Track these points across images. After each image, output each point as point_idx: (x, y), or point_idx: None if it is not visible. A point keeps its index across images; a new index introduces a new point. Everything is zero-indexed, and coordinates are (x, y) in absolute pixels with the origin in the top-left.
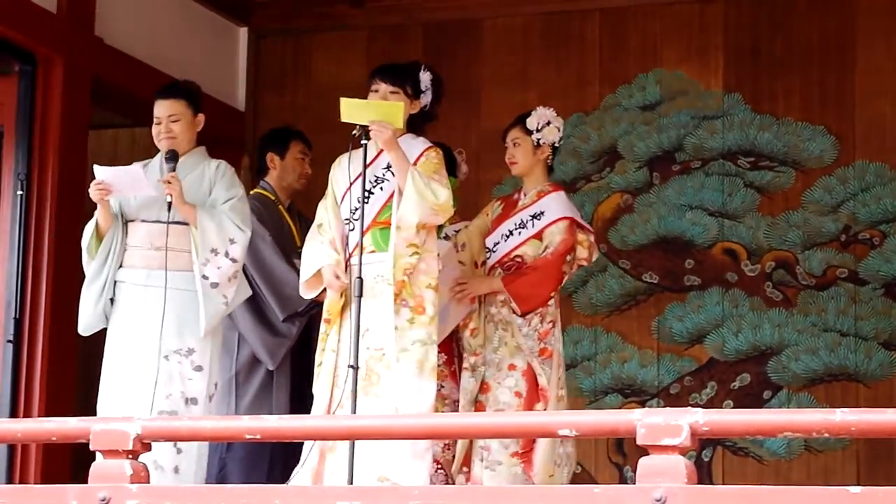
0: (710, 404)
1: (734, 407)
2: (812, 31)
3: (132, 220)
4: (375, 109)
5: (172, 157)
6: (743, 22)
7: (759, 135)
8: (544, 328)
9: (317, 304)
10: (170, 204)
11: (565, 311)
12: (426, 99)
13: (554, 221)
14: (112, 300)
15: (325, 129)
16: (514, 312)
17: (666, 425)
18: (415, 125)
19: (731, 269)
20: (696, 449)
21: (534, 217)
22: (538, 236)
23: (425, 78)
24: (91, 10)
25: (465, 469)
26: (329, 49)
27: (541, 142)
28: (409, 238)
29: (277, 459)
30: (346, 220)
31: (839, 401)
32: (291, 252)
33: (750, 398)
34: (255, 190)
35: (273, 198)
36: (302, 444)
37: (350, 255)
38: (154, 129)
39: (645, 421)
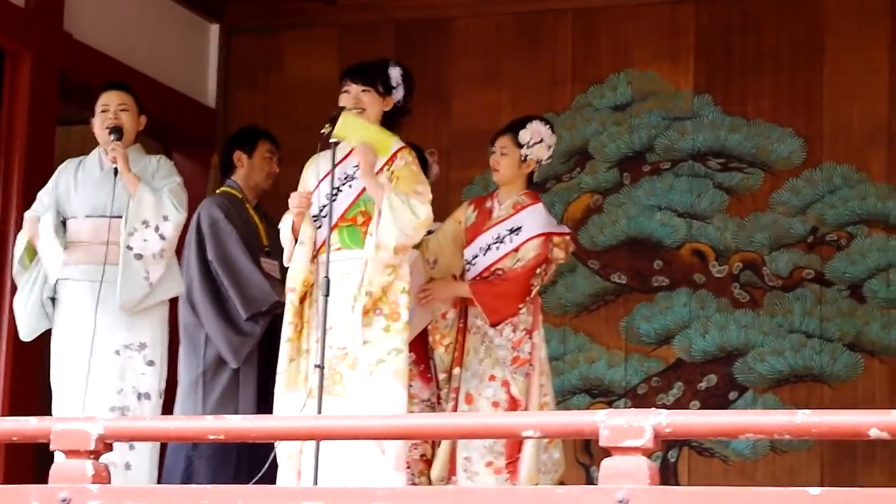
0: (677, 405)
1: (701, 407)
2: (782, 33)
3: (74, 217)
4: (372, 133)
5: (117, 129)
6: (714, 24)
7: (729, 136)
8: (517, 337)
9: (281, 305)
10: (115, 171)
11: None
12: (398, 94)
13: (531, 238)
14: (53, 299)
15: (296, 128)
16: (484, 322)
17: (629, 427)
18: (389, 122)
19: (699, 270)
20: (661, 450)
21: (511, 231)
22: (516, 250)
23: (395, 74)
24: (60, 5)
25: (452, 479)
26: (300, 47)
27: (528, 157)
28: (387, 260)
29: (245, 458)
30: (315, 217)
31: (804, 402)
32: (258, 251)
33: (716, 399)
34: (223, 188)
35: (240, 196)
36: (269, 443)
37: (317, 253)
38: (99, 119)
39: (608, 422)
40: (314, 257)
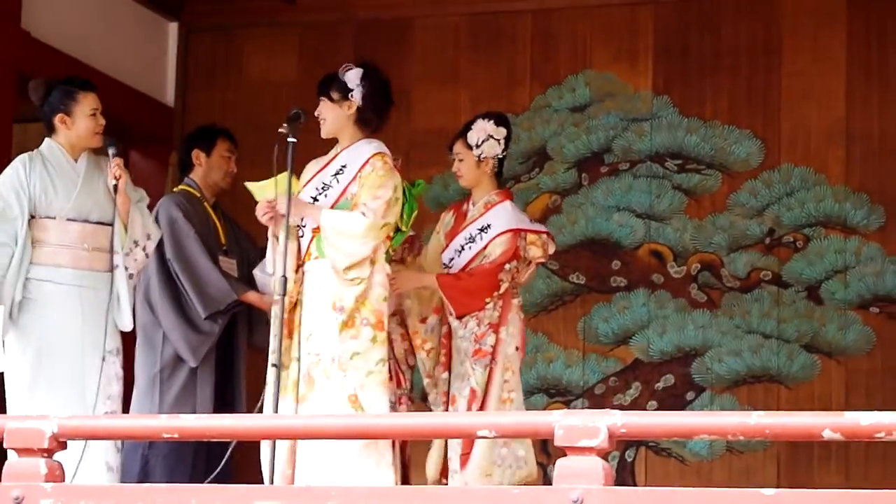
0: (635, 405)
1: (658, 407)
2: (739, 35)
3: (51, 218)
4: (273, 186)
5: (115, 143)
6: (672, 25)
7: (687, 137)
8: (480, 331)
9: (239, 304)
10: (116, 186)
11: None
12: (357, 96)
13: (498, 235)
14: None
15: (255, 126)
16: (450, 314)
17: (584, 427)
18: (361, 124)
19: (657, 271)
20: (619, 449)
21: (481, 230)
22: (485, 248)
23: (352, 76)
24: (17, 3)
25: (443, 480)
26: (260, 45)
27: (482, 156)
28: (346, 276)
29: (201, 457)
30: (297, 225)
31: (761, 402)
32: (216, 250)
33: (674, 399)
34: (181, 186)
35: (199, 195)
36: (225, 442)
37: (302, 263)
38: (90, 121)
39: (563, 422)
40: (298, 267)
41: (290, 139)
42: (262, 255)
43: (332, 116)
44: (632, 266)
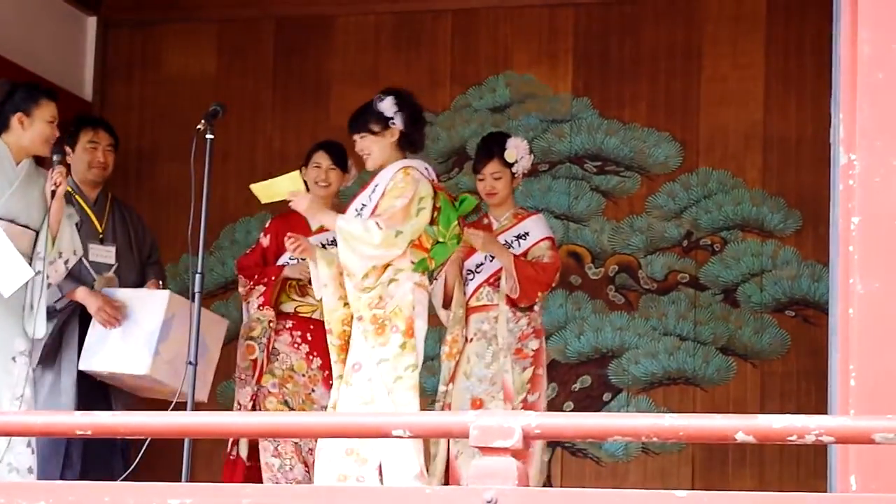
0: (551, 406)
1: (574, 408)
2: (660, 38)
3: None
4: (284, 184)
5: (62, 153)
6: (592, 27)
7: (606, 139)
8: (526, 331)
9: (71, 302)
10: (53, 192)
11: None
12: (398, 122)
13: (539, 241)
14: None
15: (173, 122)
16: (509, 299)
17: (498, 427)
18: (402, 147)
19: (576, 272)
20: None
21: (518, 238)
22: (524, 255)
23: (387, 104)
24: None
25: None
26: (179, 40)
27: (518, 173)
28: (360, 284)
29: (74, 453)
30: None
31: (677, 404)
32: (88, 239)
33: (590, 400)
34: None
35: (70, 188)
36: (107, 441)
37: None
38: (47, 128)
39: (477, 423)
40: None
41: (208, 135)
42: (154, 243)
43: (377, 148)
44: None
